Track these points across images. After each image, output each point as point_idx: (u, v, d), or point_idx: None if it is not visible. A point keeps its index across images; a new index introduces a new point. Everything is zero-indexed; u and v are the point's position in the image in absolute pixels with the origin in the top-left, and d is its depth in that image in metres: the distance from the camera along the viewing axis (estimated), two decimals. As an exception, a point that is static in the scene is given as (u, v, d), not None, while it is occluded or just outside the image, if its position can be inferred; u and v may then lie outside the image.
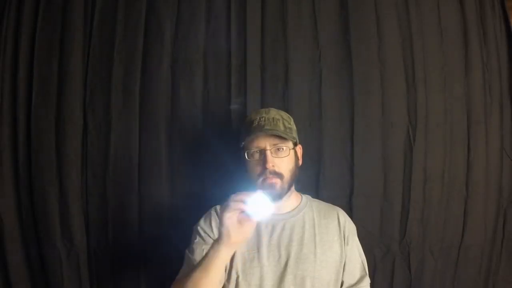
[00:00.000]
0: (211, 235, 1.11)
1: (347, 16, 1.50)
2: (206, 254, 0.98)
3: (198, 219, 1.17)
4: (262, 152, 1.10)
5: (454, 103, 1.53)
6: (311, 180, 1.45)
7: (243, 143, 1.13)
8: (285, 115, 1.20)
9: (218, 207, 1.17)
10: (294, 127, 1.20)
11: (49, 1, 1.47)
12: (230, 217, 0.94)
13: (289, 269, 1.07)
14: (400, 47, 1.51)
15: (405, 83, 1.51)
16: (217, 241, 0.97)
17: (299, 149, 1.20)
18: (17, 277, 1.45)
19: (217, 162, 1.43)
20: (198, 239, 1.12)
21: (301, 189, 1.41)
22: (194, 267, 0.98)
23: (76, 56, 1.46)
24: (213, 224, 1.13)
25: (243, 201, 0.94)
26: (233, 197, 0.95)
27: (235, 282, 1.07)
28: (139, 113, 1.45)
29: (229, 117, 1.45)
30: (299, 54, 1.48)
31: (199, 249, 1.08)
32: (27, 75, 1.46)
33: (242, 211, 0.95)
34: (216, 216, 1.14)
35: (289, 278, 1.07)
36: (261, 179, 1.09)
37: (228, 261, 1.02)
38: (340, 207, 1.42)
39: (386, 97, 1.50)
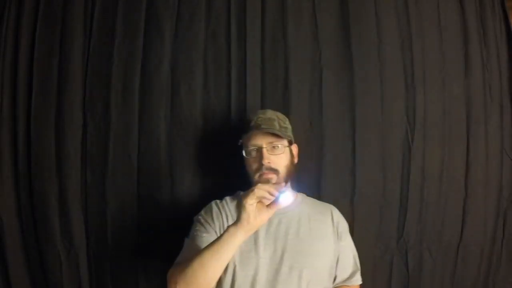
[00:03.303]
0: (212, 225, 1.16)
1: (347, 16, 1.50)
2: (220, 236, 1.00)
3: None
4: (259, 150, 1.18)
5: (454, 103, 1.53)
6: (312, 180, 1.45)
7: (240, 141, 1.22)
8: (280, 115, 1.28)
9: (218, 201, 1.24)
10: (289, 127, 1.28)
11: (49, 1, 1.47)
12: (253, 204, 0.98)
13: (285, 261, 1.11)
14: (399, 47, 1.52)
15: (404, 83, 1.51)
16: (234, 225, 1.00)
17: (294, 147, 1.28)
18: (17, 277, 1.45)
19: (217, 162, 1.43)
20: (199, 226, 1.16)
21: (303, 189, 1.42)
22: (203, 249, 1.01)
23: (76, 56, 1.46)
24: (214, 215, 1.18)
25: (269, 191, 0.99)
26: (260, 186, 1.00)
27: (232, 272, 1.10)
28: (139, 113, 1.45)
29: (229, 117, 1.45)
30: (299, 54, 1.48)
31: (200, 236, 1.12)
32: (27, 75, 1.46)
33: (265, 199, 1.00)
34: (217, 209, 1.20)
35: (284, 270, 1.10)
36: (258, 174, 1.17)
37: (239, 247, 1.05)
38: (341, 206, 1.43)
39: (385, 97, 1.50)
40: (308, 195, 1.32)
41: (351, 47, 1.49)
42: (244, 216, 0.98)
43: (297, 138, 1.44)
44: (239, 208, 1.00)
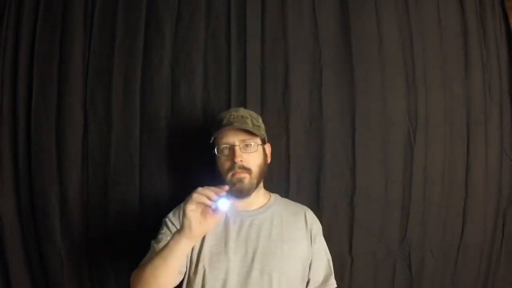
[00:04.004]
0: (178, 227, 1.13)
1: (347, 16, 1.50)
2: (167, 243, 0.99)
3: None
4: (231, 148, 1.13)
5: (454, 103, 1.54)
6: (312, 181, 1.45)
7: (212, 138, 1.17)
8: (253, 113, 1.24)
9: None
10: (262, 125, 1.23)
11: (49, 1, 1.47)
12: (194, 210, 0.96)
13: (256, 265, 1.09)
14: (400, 47, 1.52)
15: (405, 83, 1.51)
16: (178, 232, 0.98)
17: (267, 147, 1.24)
18: (17, 276, 1.45)
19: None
20: (164, 229, 1.15)
21: (302, 189, 1.42)
22: (155, 255, 1.01)
23: (76, 56, 1.46)
24: (181, 217, 1.14)
25: (208, 196, 0.95)
26: (199, 190, 0.96)
27: (202, 276, 1.09)
28: (140, 113, 1.45)
29: (229, 117, 1.46)
30: (299, 54, 1.48)
31: (164, 239, 1.10)
32: (27, 75, 1.46)
33: (206, 205, 0.96)
34: None
35: (255, 273, 1.09)
36: (230, 173, 1.12)
37: (188, 252, 1.04)
38: (341, 207, 1.43)
39: (386, 97, 1.50)
40: (282, 196, 1.30)
41: (351, 47, 1.49)
42: (185, 222, 0.95)
43: (297, 138, 1.45)
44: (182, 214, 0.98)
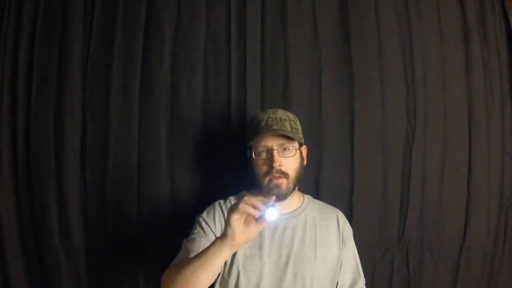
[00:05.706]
0: (212, 228, 1.13)
1: (347, 16, 1.50)
2: (208, 248, 0.97)
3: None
4: (269, 151, 1.12)
5: (454, 103, 1.53)
6: (311, 180, 1.44)
7: (251, 142, 1.15)
8: (291, 115, 1.22)
9: (222, 201, 1.19)
10: (300, 128, 1.21)
11: (49, 1, 1.47)
12: (238, 219, 0.93)
13: (290, 268, 1.09)
14: (400, 47, 1.52)
15: (404, 83, 1.51)
16: (220, 240, 0.95)
17: (304, 149, 1.22)
18: (16, 278, 1.44)
19: (216, 162, 1.43)
20: (198, 229, 1.13)
21: (301, 189, 1.41)
22: (194, 257, 0.98)
23: (76, 56, 1.46)
24: (216, 218, 1.15)
25: (254, 206, 0.92)
26: (246, 200, 0.93)
27: (236, 278, 1.09)
28: (139, 113, 1.45)
29: (229, 117, 1.45)
30: (299, 54, 1.48)
31: (198, 240, 1.09)
32: (27, 75, 1.46)
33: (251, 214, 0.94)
34: (220, 210, 1.16)
35: (289, 277, 1.09)
36: (267, 178, 1.11)
37: (227, 259, 1.02)
38: (339, 207, 1.42)
39: (386, 97, 1.50)
40: (313, 197, 1.29)
41: (351, 47, 1.49)
42: (229, 232, 0.93)
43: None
44: (225, 222, 0.95)
